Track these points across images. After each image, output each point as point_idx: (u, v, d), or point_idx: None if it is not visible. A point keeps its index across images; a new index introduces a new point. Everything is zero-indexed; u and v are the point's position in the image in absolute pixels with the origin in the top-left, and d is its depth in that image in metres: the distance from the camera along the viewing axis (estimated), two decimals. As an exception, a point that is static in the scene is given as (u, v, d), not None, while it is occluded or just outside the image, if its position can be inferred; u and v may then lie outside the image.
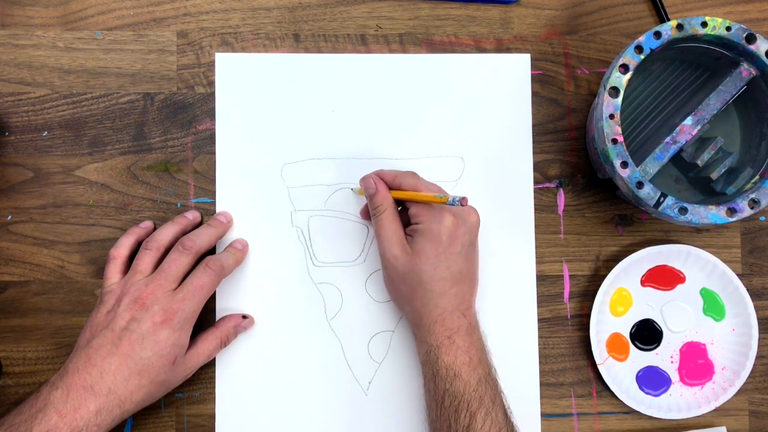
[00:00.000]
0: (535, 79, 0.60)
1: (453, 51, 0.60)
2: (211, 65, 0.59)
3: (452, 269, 0.51)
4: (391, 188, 0.54)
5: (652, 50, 0.51)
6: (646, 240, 0.60)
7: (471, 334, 0.52)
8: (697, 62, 0.56)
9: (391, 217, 0.53)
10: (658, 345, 0.60)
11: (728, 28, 0.51)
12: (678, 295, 0.60)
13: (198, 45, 0.59)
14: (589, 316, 0.58)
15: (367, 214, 0.57)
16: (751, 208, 0.51)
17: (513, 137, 0.60)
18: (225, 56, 0.59)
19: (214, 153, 0.59)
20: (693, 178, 0.56)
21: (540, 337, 0.59)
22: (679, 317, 0.60)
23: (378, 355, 0.58)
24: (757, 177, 0.53)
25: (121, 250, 0.55)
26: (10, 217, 0.58)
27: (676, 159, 0.55)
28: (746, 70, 0.52)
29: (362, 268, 0.59)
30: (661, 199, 0.50)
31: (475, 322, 0.53)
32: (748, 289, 0.59)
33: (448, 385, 0.50)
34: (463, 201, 0.49)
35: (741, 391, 0.59)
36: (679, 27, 0.51)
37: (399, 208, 0.55)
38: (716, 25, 0.51)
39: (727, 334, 0.60)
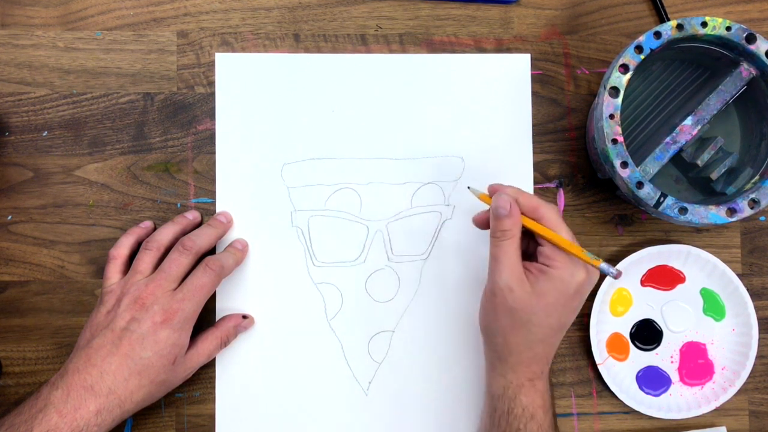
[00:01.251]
0: (535, 79, 0.60)
1: (453, 51, 0.60)
2: (211, 65, 0.59)
3: (562, 320, 0.50)
4: (526, 214, 0.50)
5: (652, 50, 0.51)
6: (646, 240, 0.60)
7: (546, 380, 0.51)
8: (697, 62, 0.56)
9: (515, 246, 0.49)
10: (658, 345, 0.60)
11: (728, 28, 0.51)
12: (678, 295, 0.60)
13: (198, 45, 0.59)
14: (589, 316, 0.58)
15: (482, 223, 0.53)
16: (751, 208, 0.51)
17: (513, 137, 0.60)
18: (225, 56, 0.59)
19: (214, 153, 0.59)
20: (693, 178, 0.56)
21: (540, 337, 0.59)
22: (679, 317, 0.60)
23: (378, 355, 0.58)
24: (757, 177, 0.53)
25: (121, 250, 0.55)
26: (10, 217, 0.58)
27: (676, 159, 0.55)
28: (746, 70, 0.52)
29: (362, 268, 0.59)
30: (661, 199, 0.50)
31: (549, 369, 0.52)
32: (748, 289, 0.59)
33: (522, 424, 0.49)
34: (617, 275, 0.47)
35: (741, 391, 0.59)
36: (679, 27, 0.51)
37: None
38: (716, 25, 0.51)
39: (727, 334, 0.60)
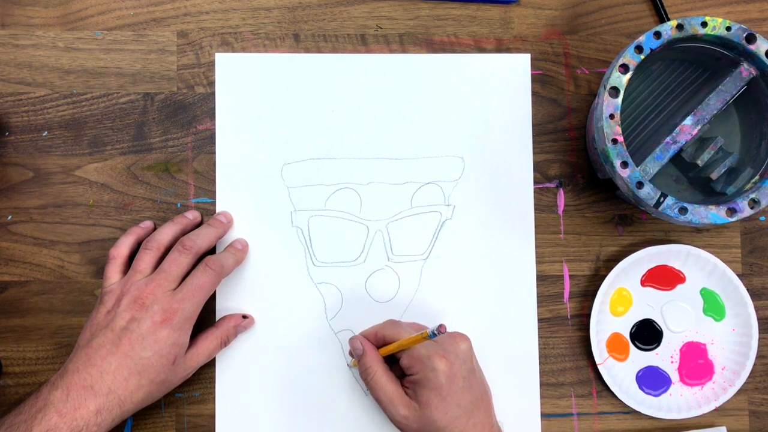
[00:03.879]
0: (535, 79, 0.60)
1: (453, 51, 0.60)
2: (211, 65, 0.59)
3: (462, 405, 0.50)
4: (375, 344, 0.53)
5: (652, 50, 0.51)
6: (646, 240, 0.60)
7: None
8: (697, 62, 0.56)
9: (385, 377, 0.51)
10: (658, 345, 0.60)
11: (728, 28, 0.51)
12: (678, 295, 0.60)
13: (198, 45, 0.59)
14: (589, 316, 0.58)
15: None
16: (751, 208, 0.51)
17: (513, 137, 0.60)
18: (225, 56, 0.59)
19: (214, 153, 0.59)
20: (693, 178, 0.56)
21: (540, 337, 0.59)
22: (679, 317, 0.60)
23: (378, 355, 0.58)
24: (757, 177, 0.53)
25: (121, 250, 0.55)
26: (10, 217, 0.58)
27: (676, 159, 0.55)
28: (746, 70, 0.52)
29: (362, 268, 0.59)
30: (661, 199, 0.50)
31: None
32: (748, 289, 0.59)
33: None
34: (440, 329, 0.46)
35: (741, 391, 0.59)
36: (679, 27, 0.51)
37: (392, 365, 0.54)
38: (716, 25, 0.51)
39: (727, 334, 0.60)
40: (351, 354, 0.55)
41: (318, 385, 0.58)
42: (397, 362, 0.53)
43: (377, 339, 0.54)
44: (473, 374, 0.52)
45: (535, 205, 0.59)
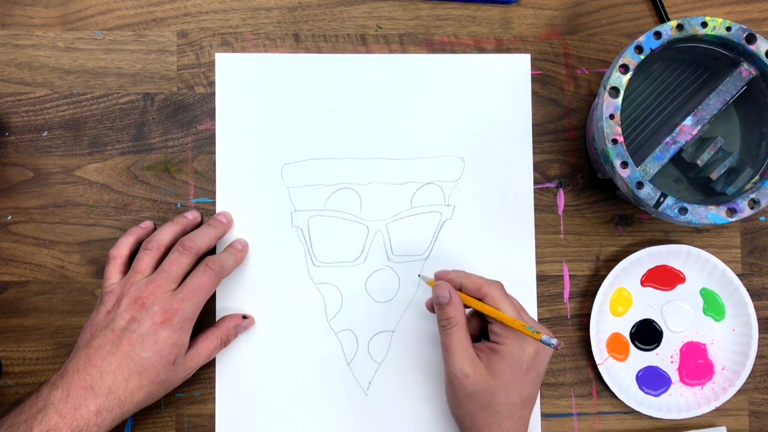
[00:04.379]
0: (535, 79, 0.60)
1: (453, 51, 0.60)
2: (211, 65, 0.59)
3: (524, 395, 0.50)
4: (472, 295, 0.52)
5: (652, 50, 0.51)
6: (646, 240, 0.60)
7: None
8: (697, 62, 0.56)
9: (463, 332, 0.50)
10: (658, 345, 0.60)
11: (728, 28, 0.51)
12: (678, 295, 0.60)
13: (198, 45, 0.59)
14: (589, 316, 0.58)
15: (432, 306, 0.55)
16: (751, 208, 0.51)
17: (513, 137, 0.60)
18: (225, 56, 0.59)
19: (214, 153, 0.59)
20: (693, 178, 0.56)
21: (540, 337, 0.59)
22: (679, 317, 0.60)
23: (378, 355, 0.58)
24: (757, 177, 0.53)
25: (121, 250, 0.55)
26: (10, 217, 0.58)
27: (676, 159, 0.55)
28: (746, 70, 0.52)
29: (362, 268, 0.59)
30: (661, 199, 0.50)
31: None
32: (748, 289, 0.59)
33: None
34: (558, 346, 0.47)
35: (741, 391, 0.59)
36: (679, 27, 0.51)
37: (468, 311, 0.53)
38: (716, 25, 0.51)
39: (727, 334, 0.60)
40: (433, 290, 0.52)
41: (318, 385, 0.58)
42: (476, 318, 0.53)
43: (479, 292, 0.51)
44: (543, 374, 0.52)
45: (535, 205, 0.59)
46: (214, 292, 0.57)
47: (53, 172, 0.58)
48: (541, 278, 0.59)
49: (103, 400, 0.48)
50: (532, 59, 0.60)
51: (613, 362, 0.59)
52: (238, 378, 0.58)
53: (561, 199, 0.60)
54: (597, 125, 0.52)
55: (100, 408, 0.48)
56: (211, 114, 0.59)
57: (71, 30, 0.59)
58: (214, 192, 0.58)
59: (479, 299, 0.51)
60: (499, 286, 0.52)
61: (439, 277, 0.53)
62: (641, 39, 0.51)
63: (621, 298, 0.60)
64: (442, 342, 0.51)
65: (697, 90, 0.56)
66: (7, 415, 0.48)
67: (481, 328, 0.54)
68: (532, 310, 0.59)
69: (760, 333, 0.59)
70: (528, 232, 0.59)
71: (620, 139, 0.50)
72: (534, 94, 0.60)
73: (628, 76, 0.51)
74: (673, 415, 0.58)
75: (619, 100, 0.50)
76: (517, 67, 0.60)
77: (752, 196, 0.51)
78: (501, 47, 0.60)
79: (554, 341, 0.48)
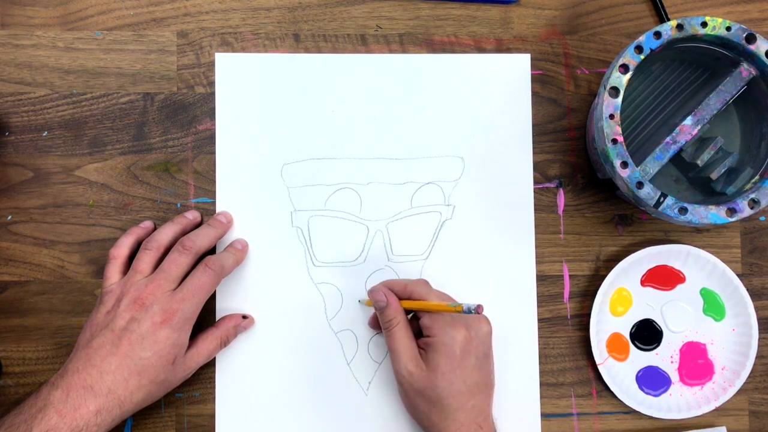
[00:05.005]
0: (535, 79, 0.60)
1: (453, 51, 0.60)
2: (211, 65, 0.59)
3: (468, 382, 0.51)
4: (401, 298, 0.53)
5: (652, 50, 0.51)
6: (646, 240, 0.60)
7: None
8: (697, 62, 0.56)
9: (403, 331, 0.52)
10: (658, 345, 0.60)
11: (728, 28, 0.51)
12: (678, 295, 0.60)
13: (198, 45, 0.59)
14: (589, 316, 0.58)
15: (376, 323, 0.56)
16: (751, 208, 0.51)
17: (513, 137, 0.60)
18: (225, 56, 0.59)
19: (214, 153, 0.59)
20: (693, 178, 0.56)
21: (540, 337, 0.59)
22: (679, 317, 0.60)
23: (378, 355, 0.58)
24: (757, 177, 0.53)
25: (121, 250, 0.55)
26: (10, 217, 0.58)
27: (676, 159, 0.55)
28: (746, 70, 0.52)
29: (362, 268, 0.59)
30: (661, 199, 0.50)
31: (491, 430, 0.52)
32: (748, 289, 0.59)
33: None
34: (478, 309, 0.47)
35: (741, 391, 0.59)
36: (679, 27, 0.51)
37: (410, 315, 0.54)
38: (716, 25, 0.51)
39: (727, 334, 0.60)
40: (369, 298, 0.55)
41: (318, 385, 0.58)
42: (416, 320, 0.54)
43: (405, 292, 0.53)
44: (486, 359, 0.52)
45: (535, 205, 0.59)
46: (214, 292, 0.57)
47: (53, 172, 0.58)
48: (541, 278, 0.59)
49: (103, 400, 0.48)
50: (532, 59, 0.60)
51: (613, 362, 0.59)
52: (238, 378, 0.58)
53: (561, 199, 0.60)
54: (597, 125, 0.52)
55: (99, 408, 0.48)
56: (211, 114, 0.59)
57: (71, 30, 0.59)
58: (214, 192, 0.58)
59: (408, 299, 0.53)
60: (425, 282, 0.54)
61: (372, 289, 0.54)
62: (641, 39, 0.51)
63: (621, 298, 0.60)
64: (387, 344, 0.53)
65: (697, 90, 0.56)
66: (6, 415, 0.48)
67: (420, 330, 0.54)
68: (532, 310, 0.59)
69: (760, 333, 0.59)
70: (528, 232, 0.59)
71: (620, 139, 0.50)
72: (534, 94, 0.60)
73: (628, 76, 0.51)
74: (673, 415, 0.58)
75: (619, 100, 0.50)
76: (517, 67, 0.60)
77: (752, 196, 0.51)
78: (501, 47, 0.60)
79: (473, 305, 0.47)
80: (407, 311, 0.54)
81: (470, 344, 0.51)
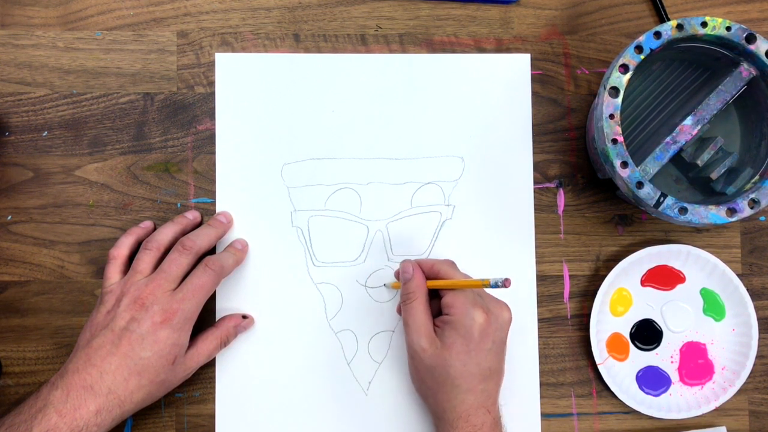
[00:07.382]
0: (535, 79, 0.60)
1: (453, 51, 0.60)
2: (211, 65, 0.59)
3: (482, 366, 0.50)
4: (427, 277, 0.53)
5: (652, 50, 0.51)
6: (646, 240, 0.60)
7: (494, 430, 0.51)
8: (697, 62, 0.56)
9: (422, 307, 0.52)
10: (658, 345, 0.60)
11: (728, 28, 0.51)
12: (678, 295, 0.60)
13: (198, 45, 0.59)
14: (589, 316, 0.58)
15: (401, 310, 0.55)
16: (751, 208, 0.51)
17: (513, 137, 0.60)
18: (225, 56, 0.59)
19: (214, 153, 0.59)
20: (693, 178, 0.56)
21: (540, 337, 0.59)
22: (679, 317, 0.60)
23: (378, 355, 0.58)
24: (757, 177, 0.53)
25: (121, 250, 0.55)
26: (10, 217, 0.58)
27: (676, 159, 0.55)
28: (746, 70, 0.52)
29: (362, 268, 0.59)
30: (661, 199, 0.50)
31: (498, 417, 0.52)
32: (748, 289, 0.59)
33: None
34: (506, 282, 0.46)
35: (741, 391, 0.59)
36: (679, 27, 0.51)
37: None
38: (716, 25, 0.51)
39: (727, 334, 0.60)
40: (396, 275, 0.55)
41: (318, 385, 0.58)
42: (437, 299, 0.53)
43: (432, 271, 0.53)
44: (502, 345, 0.52)
45: (535, 205, 0.59)
46: (214, 292, 0.57)
47: (53, 172, 0.58)
48: (541, 278, 0.59)
49: (103, 399, 0.48)
50: (532, 59, 0.60)
51: (613, 362, 0.59)
52: (238, 378, 0.58)
53: (561, 199, 0.60)
54: (597, 125, 0.52)
55: (99, 408, 0.48)
56: (211, 114, 0.59)
57: (71, 30, 0.59)
58: (214, 192, 0.58)
59: (435, 278, 0.53)
60: (451, 263, 0.54)
61: (403, 263, 0.54)
62: (641, 39, 0.51)
63: (621, 298, 0.60)
64: (403, 318, 0.53)
65: (697, 90, 0.56)
66: (6, 415, 0.48)
67: (439, 311, 0.54)
68: (532, 310, 0.59)
69: (760, 333, 0.59)
70: (528, 232, 0.59)
71: (620, 139, 0.50)
72: (534, 94, 0.60)
73: (628, 76, 0.51)
74: (673, 415, 0.58)
75: (619, 100, 0.50)
76: (517, 67, 0.60)
77: (752, 196, 0.51)
78: (501, 47, 0.60)
79: (500, 279, 0.46)
80: (431, 292, 0.53)
81: (489, 328, 0.51)
